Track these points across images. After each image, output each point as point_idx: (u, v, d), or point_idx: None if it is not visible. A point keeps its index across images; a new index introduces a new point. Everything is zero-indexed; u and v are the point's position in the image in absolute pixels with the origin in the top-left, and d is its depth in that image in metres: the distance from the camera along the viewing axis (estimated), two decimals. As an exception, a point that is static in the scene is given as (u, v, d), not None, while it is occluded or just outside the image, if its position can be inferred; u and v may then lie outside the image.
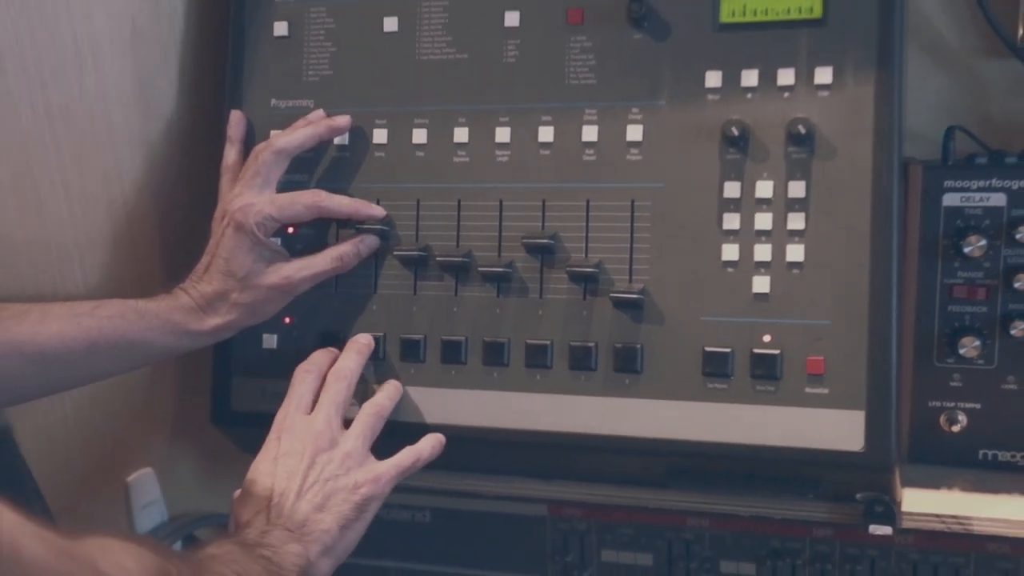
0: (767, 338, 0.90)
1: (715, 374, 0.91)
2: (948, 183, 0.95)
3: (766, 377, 0.89)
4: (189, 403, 1.11)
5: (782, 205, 0.90)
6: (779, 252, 0.90)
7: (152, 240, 1.07)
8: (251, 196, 0.97)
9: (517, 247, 0.96)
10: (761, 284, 0.90)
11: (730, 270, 0.91)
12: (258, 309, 0.98)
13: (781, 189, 0.90)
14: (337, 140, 1.02)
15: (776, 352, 0.89)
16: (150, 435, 1.11)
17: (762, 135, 0.91)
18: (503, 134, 0.98)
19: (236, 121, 1.03)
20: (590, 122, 0.96)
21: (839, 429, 0.88)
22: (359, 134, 1.02)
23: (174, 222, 1.08)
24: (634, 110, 0.95)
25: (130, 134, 1.04)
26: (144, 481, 1.09)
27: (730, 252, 0.91)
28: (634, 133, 0.94)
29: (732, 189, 0.92)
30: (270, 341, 1.02)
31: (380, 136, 1.01)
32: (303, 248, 1.01)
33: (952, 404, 0.96)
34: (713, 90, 0.93)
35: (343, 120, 1.01)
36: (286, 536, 0.85)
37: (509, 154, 0.98)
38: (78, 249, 1.01)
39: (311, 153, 1.02)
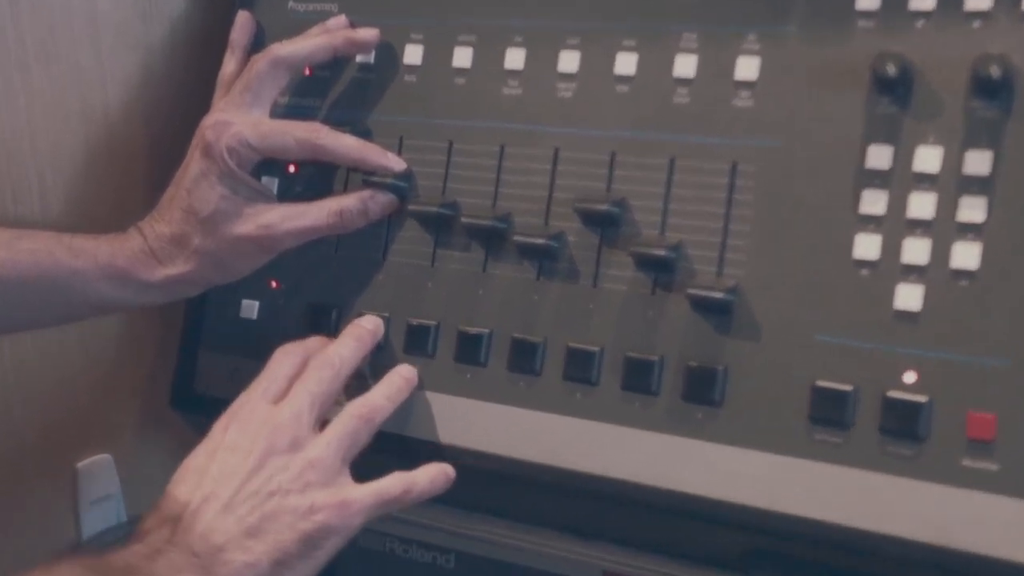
0: (910, 377, 0.57)
1: (828, 421, 0.59)
2: None
3: (904, 435, 0.57)
4: (166, 382, 0.85)
5: (952, 184, 0.57)
6: (941, 252, 0.57)
7: (137, 164, 0.82)
8: (232, 114, 0.71)
9: (570, 214, 0.66)
10: (909, 297, 0.58)
11: (864, 272, 0.59)
12: (226, 264, 0.71)
13: (954, 161, 0.58)
14: (360, 58, 0.74)
15: (923, 399, 0.57)
16: (113, 415, 0.86)
17: (933, 79, 0.58)
18: (569, 60, 0.68)
19: (242, 24, 0.77)
20: (687, 51, 0.65)
21: (1011, 529, 0.55)
22: (388, 52, 0.74)
23: (167, 145, 0.82)
24: (750, 37, 0.63)
25: (120, 32, 0.80)
26: (98, 470, 0.83)
27: (867, 246, 0.59)
28: (747, 69, 0.63)
29: (879, 156, 0.59)
30: (249, 309, 0.76)
31: (413, 55, 0.73)
32: (302, 193, 0.74)
33: None
34: (867, 13, 0.60)
35: (368, 34, 0.73)
36: (186, 563, 0.57)
37: (574, 88, 0.68)
38: (36, 163, 0.77)
39: (327, 72, 0.75)
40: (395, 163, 0.71)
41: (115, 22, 0.80)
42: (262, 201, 0.71)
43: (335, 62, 0.74)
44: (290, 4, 0.77)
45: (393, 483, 0.64)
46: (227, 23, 0.80)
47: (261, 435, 0.63)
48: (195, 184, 0.70)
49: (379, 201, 0.71)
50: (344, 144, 0.71)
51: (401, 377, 0.69)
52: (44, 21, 0.75)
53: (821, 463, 0.59)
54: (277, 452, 0.62)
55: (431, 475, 0.66)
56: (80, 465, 0.83)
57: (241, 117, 0.70)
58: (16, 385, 0.79)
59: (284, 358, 0.68)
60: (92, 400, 0.84)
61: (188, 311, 0.78)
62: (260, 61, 0.72)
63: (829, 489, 0.59)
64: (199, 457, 0.63)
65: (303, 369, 0.67)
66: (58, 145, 0.78)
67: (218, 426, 0.65)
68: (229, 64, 0.76)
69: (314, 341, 0.70)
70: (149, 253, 0.71)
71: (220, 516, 0.60)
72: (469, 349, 0.68)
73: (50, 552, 0.83)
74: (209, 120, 0.70)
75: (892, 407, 0.58)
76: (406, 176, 0.71)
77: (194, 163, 0.70)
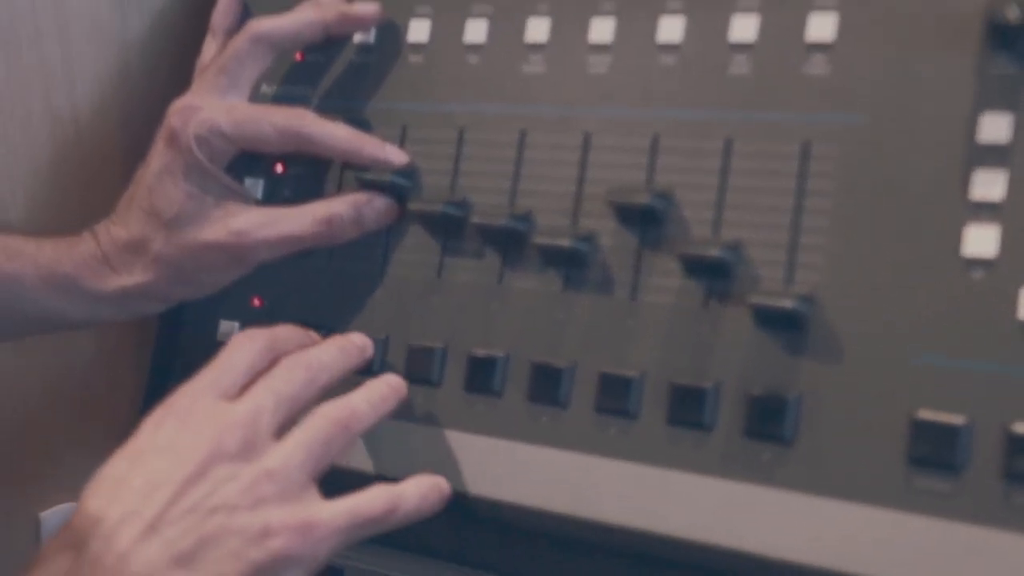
0: (1044, 409, 0.44)
1: (932, 464, 0.45)
2: None
3: (1036, 483, 0.44)
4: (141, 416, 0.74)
5: (1094, 161, 0.45)
6: (1081, 248, 0.45)
7: (110, 170, 0.71)
8: (203, 98, 0.59)
9: (603, 211, 0.53)
10: (1038, 305, 0.45)
11: (978, 274, 0.46)
12: (192, 275, 0.59)
13: (1095, 131, 0.45)
14: (358, 37, 0.62)
15: (1060, 436, 0.44)
16: (81, 458, 0.74)
17: (1064, 28, 0.46)
18: (602, 28, 0.55)
19: (225, 6, 0.65)
20: (747, 9, 0.52)
21: None
22: (390, 30, 0.62)
23: (145, 149, 0.66)
24: (824, -10, 0.53)
25: (91, 21, 0.69)
26: (63, 518, 0.70)
27: (981, 241, 0.45)
28: (821, 28, 0.50)
29: (996, 127, 0.46)
30: (229, 331, 0.63)
31: (419, 32, 0.60)
32: (291, 197, 0.61)
33: None
34: (974, -47, 0.50)
35: (367, 8, 0.61)
36: None
37: (608, 62, 0.55)
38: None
39: (320, 56, 0.63)
40: (395, 156, 0.59)
41: (86, 13, 0.69)
42: (235, 201, 0.59)
43: (328, 44, 0.62)
44: (283, -19, 0.66)
45: (373, 500, 0.50)
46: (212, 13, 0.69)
47: (204, 435, 0.48)
48: (158, 180, 0.58)
49: (376, 207, 0.59)
50: (334, 133, 0.58)
51: (387, 385, 0.55)
52: (3, 11, 0.65)
53: (924, 517, 0.45)
54: (224, 457, 0.48)
55: (422, 490, 0.52)
56: (43, 514, 0.71)
57: (213, 102, 0.58)
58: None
59: (244, 343, 0.53)
60: (56, 439, 0.71)
61: (159, 334, 0.66)
62: (239, 39, 0.60)
63: (935, 551, 0.45)
64: (119, 462, 0.48)
65: (268, 365, 0.53)
66: (17, 149, 0.67)
67: (149, 421, 0.50)
68: (209, 50, 0.64)
69: (285, 330, 0.55)
70: (101, 259, 0.59)
71: (142, 540, 0.45)
72: (482, 376, 0.55)
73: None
74: (176, 105, 0.59)
75: (1019, 445, 0.44)
76: (408, 173, 0.59)
77: (157, 156, 0.58)
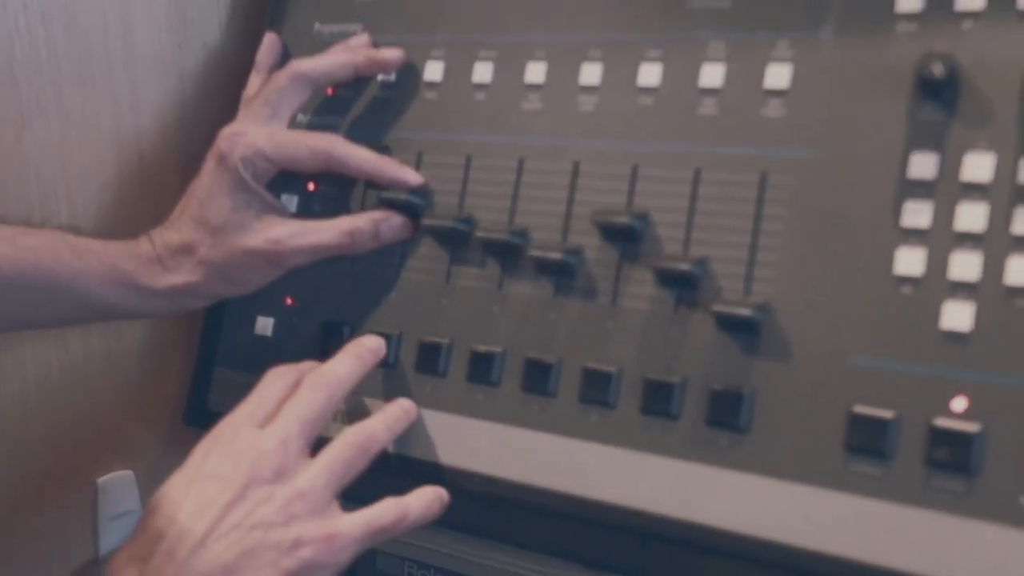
0: (959, 404, 0.46)
1: (866, 451, 0.47)
2: None
3: (952, 468, 0.45)
4: (186, 396, 0.74)
5: (1006, 195, 0.46)
6: (994, 268, 0.46)
7: (169, 185, 0.72)
8: (249, 125, 0.61)
9: (589, 230, 0.55)
10: (957, 316, 0.46)
11: (906, 289, 0.48)
12: (234, 276, 0.61)
13: (1008, 169, 0.46)
14: (381, 76, 0.64)
15: (974, 429, 0.45)
16: (137, 430, 0.75)
17: (982, 82, 0.47)
18: (591, 73, 0.58)
19: (268, 45, 0.67)
20: (715, 59, 0.54)
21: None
22: (409, 70, 0.64)
23: (199, 166, 0.69)
24: (782, 44, 0.53)
25: (155, 57, 0.71)
26: (119, 486, 0.73)
27: (910, 261, 0.48)
28: (778, 77, 0.52)
29: (924, 164, 0.48)
30: (264, 326, 0.65)
31: (434, 72, 0.63)
32: (320, 212, 0.64)
33: None
34: (909, 16, 0.50)
35: (392, 54, 0.63)
36: None
37: (596, 101, 0.57)
38: (66, 184, 0.68)
39: (349, 92, 0.65)
40: (412, 177, 0.61)
41: (150, 49, 0.71)
42: (272, 214, 0.61)
43: (357, 81, 0.65)
44: (316, 26, 0.68)
45: (384, 512, 0.53)
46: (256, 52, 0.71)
47: (243, 463, 0.52)
48: (207, 194, 0.60)
49: (392, 224, 0.61)
50: (359, 156, 0.61)
51: (401, 408, 0.58)
52: (79, 44, 0.67)
53: (858, 496, 0.47)
54: (260, 482, 0.51)
55: (425, 502, 0.55)
56: (101, 481, 0.73)
57: (257, 128, 0.61)
58: (38, 399, 0.69)
59: (275, 380, 0.57)
60: (114, 415, 0.74)
61: (205, 327, 0.68)
62: (281, 76, 0.63)
63: (867, 525, 0.47)
64: (175, 488, 0.52)
65: (294, 386, 0.56)
66: (88, 167, 0.69)
67: (198, 451, 0.53)
68: (254, 83, 0.66)
69: (309, 366, 0.58)
70: (156, 260, 0.61)
71: (194, 555, 0.48)
72: (482, 368, 0.57)
73: (68, 567, 0.73)
74: (225, 131, 0.61)
75: (939, 437, 0.46)
76: (423, 193, 0.61)
77: (207, 173, 0.61)
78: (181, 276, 0.61)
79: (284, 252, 0.60)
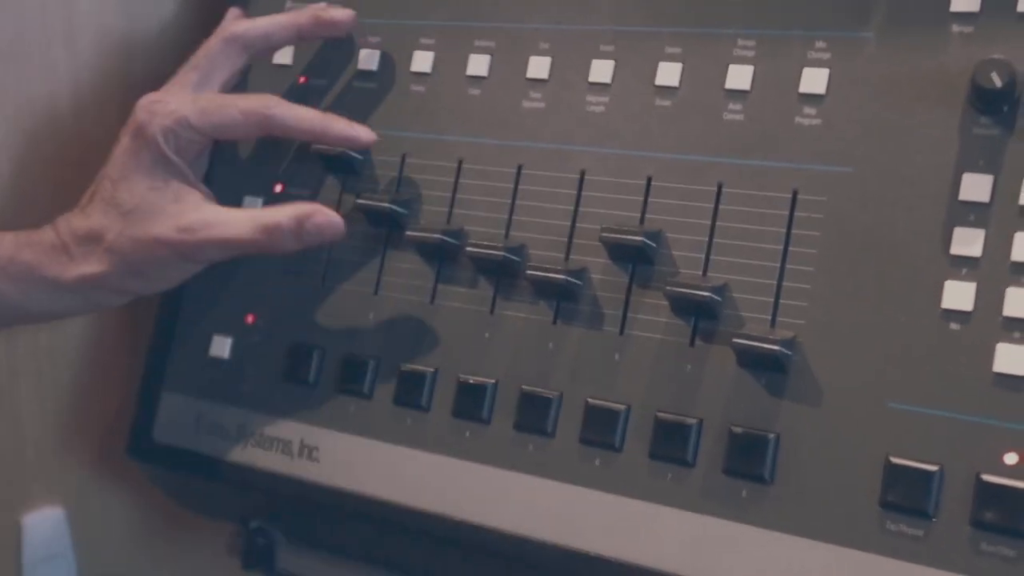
0: (1012, 458, 0.44)
1: (904, 509, 0.45)
2: None
3: (1003, 531, 0.44)
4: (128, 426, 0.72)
5: (1070, 222, 0.46)
6: (1055, 305, 0.45)
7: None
8: (171, 93, 0.59)
9: (595, 247, 0.53)
10: (1011, 358, 0.45)
11: (955, 326, 0.46)
12: (143, 269, 0.58)
13: (1072, 194, 0.46)
14: (362, 64, 0.62)
15: (1029, 488, 0.44)
16: (70, 461, 0.72)
17: (1048, 94, 0.46)
18: (602, 70, 0.56)
19: (229, 20, 0.64)
20: (742, 60, 0.53)
21: None
22: (392, 58, 0.61)
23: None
24: (818, 44, 0.51)
25: (99, 30, 0.69)
26: (47, 525, 0.70)
27: (959, 295, 0.46)
28: (813, 81, 0.51)
29: (977, 185, 0.47)
30: (221, 346, 0.62)
31: (422, 62, 0.61)
32: (288, 214, 0.63)
33: None
34: (963, 15, 0.49)
35: (341, 14, 0.61)
36: None
37: (606, 101, 0.56)
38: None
39: (323, 80, 0.63)
40: (364, 134, 0.58)
41: (94, 20, 0.69)
42: (195, 199, 0.58)
43: (331, 67, 0.62)
44: (288, 4, 0.66)
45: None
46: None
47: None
48: (121, 173, 0.57)
49: (316, 222, 0.56)
50: (300, 115, 0.58)
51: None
52: (12, 12, 0.65)
53: (894, 560, 0.46)
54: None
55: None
56: (26, 519, 0.70)
57: (181, 95, 0.58)
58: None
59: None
60: (43, 444, 0.71)
61: (151, 345, 0.65)
62: (212, 39, 0.60)
63: (905, 594, 0.46)
64: None
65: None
66: (21, 150, 0.67)
67: None
68: None
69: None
70: (61, 248, 0.58)
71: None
72: (470, 403, 0.55)
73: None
74: (143, 100, 0.58)
75: (988, 494, 0.44)
76: (406, 200, 0.58)
77: (123, 150, 0.58)
78: (89, 266, 0.57)
79: (193, 243, 0.57)
